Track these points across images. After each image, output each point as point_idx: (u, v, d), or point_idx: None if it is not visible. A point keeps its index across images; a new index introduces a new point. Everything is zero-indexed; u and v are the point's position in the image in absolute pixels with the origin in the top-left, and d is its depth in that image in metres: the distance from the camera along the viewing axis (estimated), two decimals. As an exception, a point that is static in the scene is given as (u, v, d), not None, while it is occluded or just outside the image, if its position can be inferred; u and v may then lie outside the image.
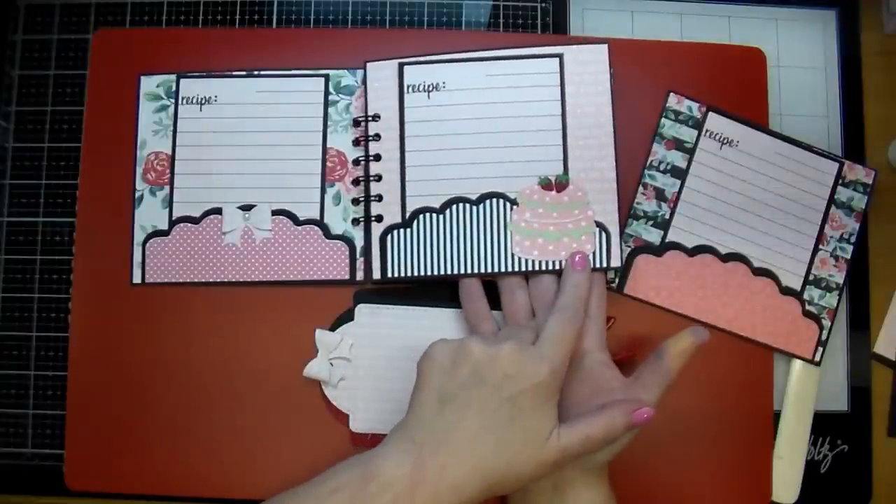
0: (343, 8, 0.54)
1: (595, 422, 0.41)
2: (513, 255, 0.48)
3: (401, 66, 0.49)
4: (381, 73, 0.50)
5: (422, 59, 0.50)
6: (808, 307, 0.51)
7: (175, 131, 0.51)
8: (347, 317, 0.50)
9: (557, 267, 0.48)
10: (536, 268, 0.48)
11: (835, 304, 0.52)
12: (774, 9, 0.55)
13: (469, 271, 0.48)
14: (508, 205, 0.48)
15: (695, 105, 0.52)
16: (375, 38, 0.53)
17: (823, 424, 0.51)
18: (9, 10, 0.54)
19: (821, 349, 0.51)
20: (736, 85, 0.53)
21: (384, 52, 0.51)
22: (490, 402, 0.40)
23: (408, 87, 0.49)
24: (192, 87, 0.51)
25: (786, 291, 0.51)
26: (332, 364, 0.49)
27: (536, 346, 0.42)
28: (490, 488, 0.39)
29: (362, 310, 0.50)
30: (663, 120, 0.52)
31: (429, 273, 0.48)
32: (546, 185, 0.48)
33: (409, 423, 0.41)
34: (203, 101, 0.50)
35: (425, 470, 0.38)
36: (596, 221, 0.48)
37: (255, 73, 0.51)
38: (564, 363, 0.42)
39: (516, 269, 0.48)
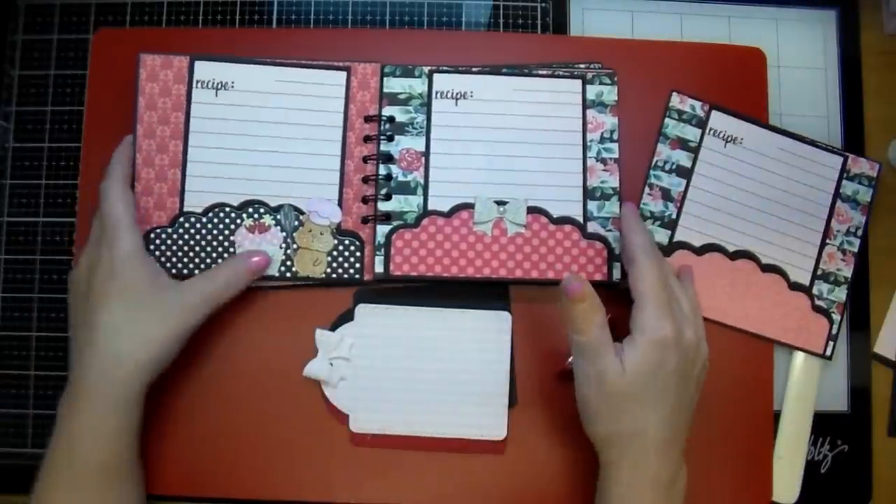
0: (343, 8, 0.54)
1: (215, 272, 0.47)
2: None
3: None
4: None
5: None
6: (817, 302, 0.51)
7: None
8: (347, 317, 0.50)
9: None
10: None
11: (844, 298, 0.51)
12: (774, 9, 0.55)
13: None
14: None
15: (698, 104, 0.52)
16: (376, 38, 0.53)
17: (823, 424, 0.51)
18: (9, 10, 0.54)
19: (832, 343, 0.51)
20: (736, 85, 0.53)
21: (385, 52, 0.51)
22: None
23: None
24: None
25: (795, 287, 0.51)
26: (332, 364, 0.49)
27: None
28: None
29: (362, 310, 0.50)
30: (667, 120, 0.52)
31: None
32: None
33: None
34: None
35: None
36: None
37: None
38: None
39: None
